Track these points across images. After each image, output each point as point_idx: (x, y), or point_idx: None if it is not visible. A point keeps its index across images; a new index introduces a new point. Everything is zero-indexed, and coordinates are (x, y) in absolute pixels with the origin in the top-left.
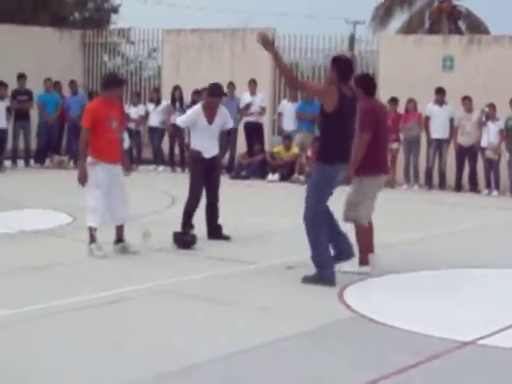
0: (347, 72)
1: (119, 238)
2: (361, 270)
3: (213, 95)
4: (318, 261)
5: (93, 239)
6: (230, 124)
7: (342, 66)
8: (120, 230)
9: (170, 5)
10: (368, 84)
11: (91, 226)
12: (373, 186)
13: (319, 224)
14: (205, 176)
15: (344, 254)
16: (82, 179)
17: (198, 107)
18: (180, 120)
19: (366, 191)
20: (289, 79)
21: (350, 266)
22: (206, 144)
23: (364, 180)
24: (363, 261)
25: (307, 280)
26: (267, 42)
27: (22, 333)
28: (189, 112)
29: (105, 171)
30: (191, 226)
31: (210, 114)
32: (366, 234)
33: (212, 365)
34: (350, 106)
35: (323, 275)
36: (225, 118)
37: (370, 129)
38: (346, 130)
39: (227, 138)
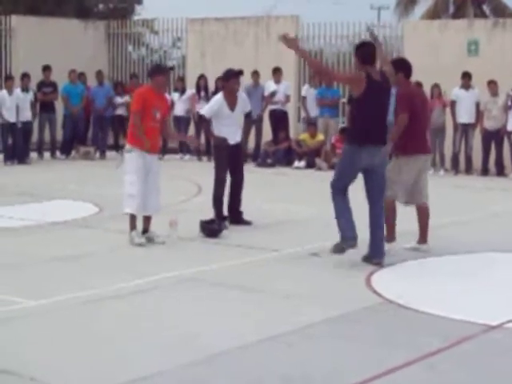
0: (368, 55)
1: (145, 229)
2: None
3: (228, 78)
4: (339, 229)
5: (133, 226)
6: (249, 107)
7: (363, 50)
8: (147, 220)
9: None
10: (407, 67)
11: (128, 212)
12: (408, 165)
13: (335, 198)
14: (230, 163)
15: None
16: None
17: (219, 96)
18: (204, 111)
19: (401, 170)
20: (318, 72)
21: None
22: (230, 131)
23: (400, 159)
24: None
25: (334, 249)
26: (290, 42)
27: (46, 324)
28: (211, 102)
29: (142, 159)
30: (224, 218)
31: (231, 101)
32: (391, 213)
33: (239, 352)
34: (380, 89)
35: (343, 240)
36: (244, 102)
37: (405, 110)
38: (377, 113)
39: (247, 122)
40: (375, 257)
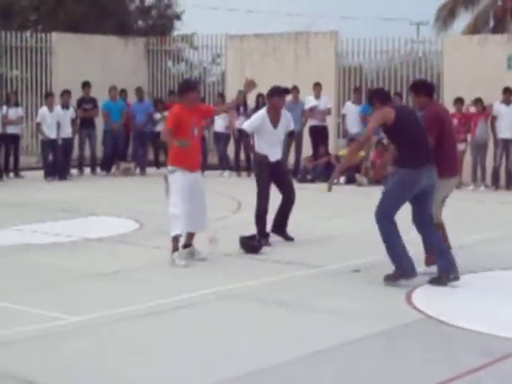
0: (385, 95)
1: (188, 243)
2: (429, 270)
3: (273, 95)
4: (394, 261)
5: (175, 248)
6: (292, 125)
7: (378, 93)
8: (190, 235)
9: (231, 10)
10: (427, 87)
11: (176, 234)
12: (442, 188)
13: (390, 228)
14: (273, 180)
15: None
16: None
17: (262, 111)
18: (246, 125)
19: (436, 193)
20: (360, 147)
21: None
22: (271, 148)
23: (437, 181)
24: (431, 260)
25: (388, 279)
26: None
27: (86, 340)
28: (254, 116)
29: (185, 178)
30: (267, 235)
31: (275, 117)
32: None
33: (281, 369)
34: (410, 113)
35: (403, 271)
36: (287, 120)
37: (432, 133)
38: (420, 134)
39: (289, 140)
40: (452, 271)
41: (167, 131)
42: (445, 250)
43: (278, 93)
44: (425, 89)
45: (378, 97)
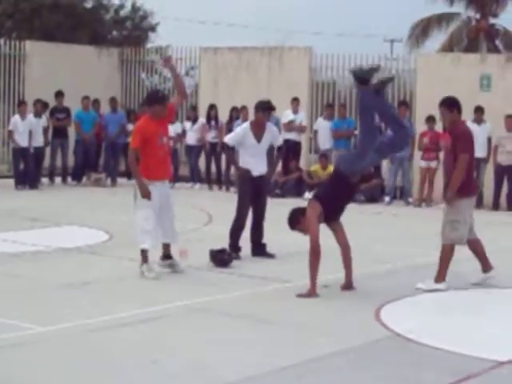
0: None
1: (167, 255)
2: (436, 286)
3: (257, 110)
4: None
5: (144, 260)
6: (280, 141)
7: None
8: (167, 246)
9: (201, 22)
10: (459, 105)
11: (145, 248)
12: (469, 206)
13: None
14: (252, 194)
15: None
16: (147, 195)
17: (246, 125)
18: (228, 138)
19: (465, 212)
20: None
21: (425, 284)
22: (254, 162)
23: (463, 201)
24: (441, 278)
25: None
26: None
27: (54, 350)
28: (237, 130)
29: (157, 191)
30: (239, 249)
31: (258, 131)
32: (451, 254)
33: (248, 383)
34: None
35: None
36: (273, 135)
37: (466, 150)
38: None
39: (277, 155)
40: None
41: (132, 154)
42: None
43: (262, 108)
44: (457, 105)
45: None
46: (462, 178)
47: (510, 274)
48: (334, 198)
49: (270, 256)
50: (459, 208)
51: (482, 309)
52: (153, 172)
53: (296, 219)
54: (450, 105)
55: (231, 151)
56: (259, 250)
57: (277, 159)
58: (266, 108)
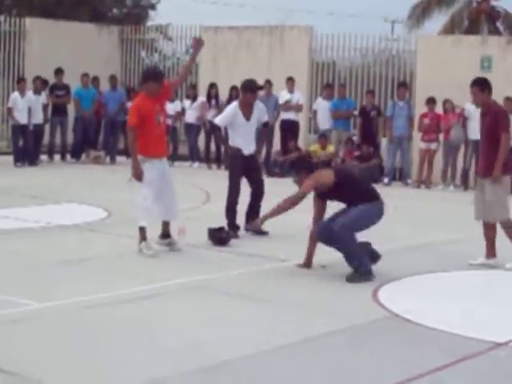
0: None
1: (166, 233)
2: (489, 261)
3: (246, 91)
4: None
5: (143, 237)
6: (266, 117)
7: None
8: (167, 225)
9: (212, 3)
10: (490, 86)
11: (143, 226)
12: (508, 184)
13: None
14: (245, 173)
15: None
16: (138, 176)
17: (234, 105)
18: (218, 119)
19: (506, 189)
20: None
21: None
22: (244, 141)
23: (505, 178)
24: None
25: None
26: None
27: (52, 326)
28: (226, 110)
29: (155, 168)
30: (236, 228)
31: (247, 110)
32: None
33: (243, 362)
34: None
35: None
36: (260, 111)
37: (507, 129)
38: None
39: (264, 132)
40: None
41: (131, 132)
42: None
43: (251, 89)
44: (488, 86)
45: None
46: (506, 155)
47: (507, 256)
48: (342, 191)
49: (264, 233)
50: (504, 184)
51: (481, 290)
52: (149, 149)
53: (300, 169)
54: (482, 85)
55: (220, 131)
56: None
57: (263, 136)
58: (255, 88)
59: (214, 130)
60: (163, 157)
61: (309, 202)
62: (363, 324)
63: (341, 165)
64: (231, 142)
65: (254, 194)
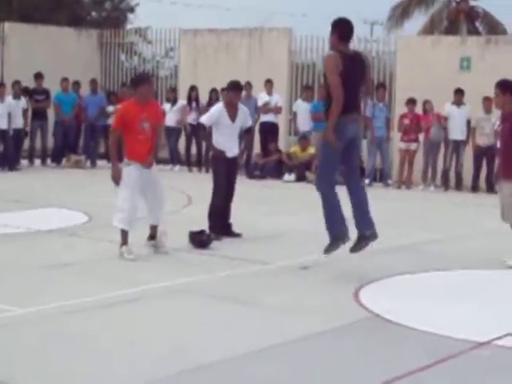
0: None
1: (152, 235)
2: None
3: (229, 89)
4: (328, 226)
5: (124, 242)
6: (249, 122)
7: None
8: (154, 227)
9: (186, 5)
10: None
11: (118, 227)
12: None
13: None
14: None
15: None
16: (116, 179)
17: (220, 105)
18: (203, 119)
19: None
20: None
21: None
22: (228, 143)
23: None
24: None
25: (328, 249)
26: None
27: (34, 332)
28: (212, 110)
29: (138, 172)
30: (220, 230)
31: (232, 111)
32: None
33: (226, 364)
34: None
35: (336, 234)
36: (245, 116)
37: None
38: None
39: (247, 137)
40: (368, 228)
41: (113, 134)
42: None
43: (233, 88)
44: (510, 88)
45: (500, 86)
46: None
47: (490, 257)
48: None
49: (237, 235)
50: None
51: (461, 290)
52: (134, 154)
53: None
54: (505, 88)
55: (205, 130)
56: (225, 229)
57: (247, 141)
58: (236, 87)
59: (198, 130)
60: (147, 164)
61: (287, 204)
62: (345, 325)
63: None
64: (215, 144)
65: (227, 195)
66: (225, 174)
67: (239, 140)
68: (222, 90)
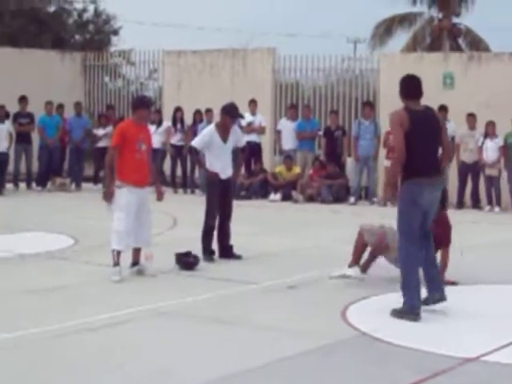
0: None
1: (135, 261)
2: None
3: (226, 114)
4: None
5: (116, 263)
6: (243, 142)
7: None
8: (137, 252)
9: (169, 25)
10: None
11: (114, 249)
12: None
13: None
14: (219, 197)
15: None
16: (108, 197)
17: (211, 127)
18: (195, 141)
19: None
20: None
21: None
22: (221, 164)
23: None
24: None
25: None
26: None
27: (21, 356)
28: (203, 132)
29: (132, 194)
30: (212, 252)
31: (224, 132)
32: None
33: None
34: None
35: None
36: (237, 136)
37: None
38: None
39: (241, 157)
40: (438, 291)
41: (112, 152)
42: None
43: (232, 115)
44: None
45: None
46: None
47: (476, 272)
48: None
49: (237, 257)
50: None
51: (448, 306)
52: (129, 176)
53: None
54: None
55: (199, 155)
56: (227, 252)
57: (241, 160)
58: (236, 115)
59: (191, 154)
60: (143, 186)
61: (273, 224)
62: (332, 344)
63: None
64: (209, 166)
65: (224, 216)
66: (218, 195)
67: (232, 160)
68: (207, 110)
